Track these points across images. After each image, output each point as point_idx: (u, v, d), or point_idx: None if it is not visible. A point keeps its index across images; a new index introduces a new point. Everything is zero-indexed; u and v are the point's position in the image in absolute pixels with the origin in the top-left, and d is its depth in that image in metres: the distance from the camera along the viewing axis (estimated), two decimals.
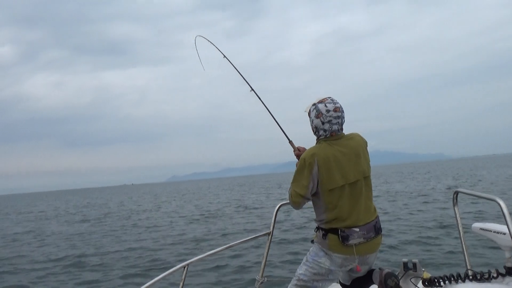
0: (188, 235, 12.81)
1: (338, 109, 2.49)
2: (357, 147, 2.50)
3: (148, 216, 21.19)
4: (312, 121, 2.54)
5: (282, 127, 2.98)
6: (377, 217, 2.49)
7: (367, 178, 2.50)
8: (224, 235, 12.23)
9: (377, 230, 2.45)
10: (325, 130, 2.50)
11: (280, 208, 2.96)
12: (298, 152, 2.70)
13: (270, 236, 2.90)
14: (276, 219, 2.95)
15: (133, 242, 12.51)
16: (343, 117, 2.53)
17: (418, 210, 14.04)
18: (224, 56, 3.38)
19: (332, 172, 2.40)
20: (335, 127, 2.49)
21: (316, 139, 2.56)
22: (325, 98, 2.52)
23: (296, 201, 2.43)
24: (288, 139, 2.91)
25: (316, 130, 2.54)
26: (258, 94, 3.14)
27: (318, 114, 2.48)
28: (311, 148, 2.50)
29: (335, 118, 2.48)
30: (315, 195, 2.45)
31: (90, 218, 23.13)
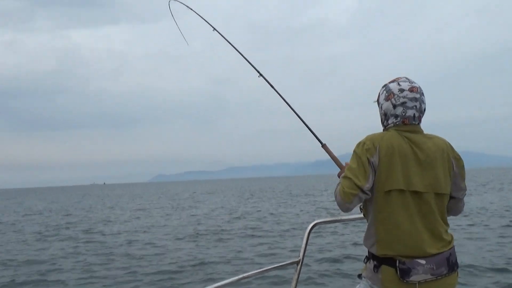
0: (174, 259, 12.22)
1: (416, 90, 2.56)
2: (436, 153, 2.53)
3: (111, 228, 20.95)
4: (381, 107, 2.65)
5: (308, 125, 3.16)
6: (453, 248, 2.51)
7: (441, 196, 2.52)
8: (229, 262, 11.65)
9: (452, 265, 2.46)
10: (396, 116, 2.57)
11: (314, 229, 3.08)
12: (343, 169, 2.79)
13: (299, 266, 3.01)
14: (308, 242, 3.06)
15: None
16: (423, 102, 2.59)
17: None
18: (214, 28, 3.59)
19: (394, 168, 2.46)
20: (411, 112, 2.55)
21: (384, 127, 2.65)
22: (399, 77, 2.63)
23: (349, 196, 2.47)
24: (321, 142, 3.10)
25: (385, 117, 2.63)
26: (269, 81, 3.33)
27: (389, 95, 2.59)
28: (373, 134, 2.57)
29: (411, 100, 2.55)
30: (366, 200, 2.53)
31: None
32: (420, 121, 2.62)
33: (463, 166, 2.68)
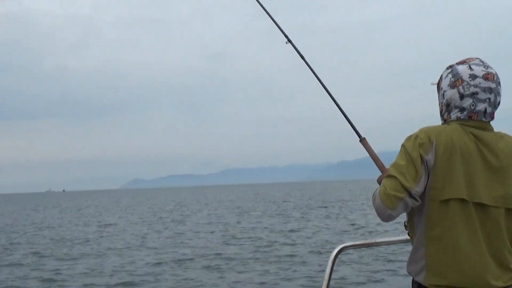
0: None
1: (492, 77, 2.55)
2: (509, 158, 2.54)
3: (68, 252, 20.81)
4: (442, 95, 2.67)
5: (345, 112, 3.32)
6: None
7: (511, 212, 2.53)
8: None
9: None
10: (462, 109, 2.58)
11: (340, 254, 3.25)
12: (385, 174, 2.70)
13: None
14: (333, 272, 3.20)
15: None
16: (499, 94, 2.59)
17: None
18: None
19: (455, 172, 2.46)
20: (482, 106, 2.54)
21: (443, 121, 2.69)
22: (470, 58, 2.63)
23: (392, 200, 2.47)
24: (359, 136, 3.22)
25: (446, 108, 2.65)
26: (299, 50, 3.59)
27: (456, 82, 2.59)
28: (428, 126, 2.60)
29: (484, 90, 2.54)
30: (412, 212, 2.60)
31: None
32: (492, 118, 2.61)
33: None
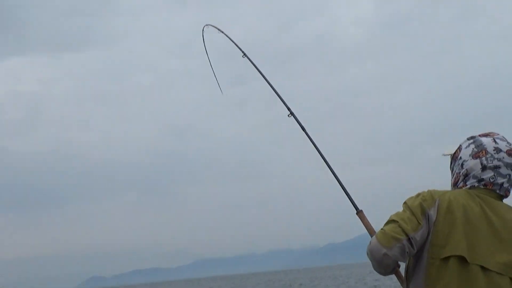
0: None
1: None
2: None
3: None
4: (461, 164, 2.97)
5: (341, 180, 3.71)
6: None
7: None
8: None
9: None
10: (481, 180, 2.87)
11: None
12: None
13: None
14: None
15: None
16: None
17: None
18: (244, 54, 4.49)
19: (456, 230, 2.71)
20: (502, 181, 2.85)
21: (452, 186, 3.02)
22: (493, 133, 2.97)
23: (390, 240, 2.70)
24: (356, 209, 3.53)
25: (464, 178, 2.93)
26: (301, 123, 4.15)
27: (480, 152, 2.90)
28: (435, 189, 2.90)
29: (507, 166, 2.87)
30: (410, 268, 2.79)
31: None
32: (507, 195, 2.87)
33: None
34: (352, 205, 3.54)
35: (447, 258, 2.66)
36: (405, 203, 2.84)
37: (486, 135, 2.91)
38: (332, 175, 3.74)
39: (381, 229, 2.81)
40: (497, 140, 2.86)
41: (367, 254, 2.74)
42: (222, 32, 4.81)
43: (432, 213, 2.73)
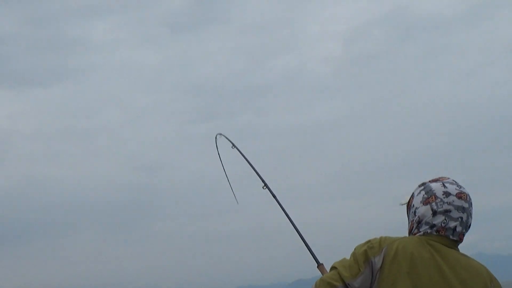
0: None
1: (465, 197, 2.82)
2: (470, 277, 2.67)
3: None
4: (414, 212, 2.87)
5: (304, 239, 3.90)
6: None
7: None
8: None
9: None
10: (432, 226, 2.79)
11: None
12: None
13: None
14: None
15: None
16: (471, 216, 2.82)
17: None
18: (242, 155, 4.93)
19: (401, 281, 2.62)
20: (454, 224, 2.76)
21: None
22: (443, 177, 2.89)
23: (324, 285, 2.68)
24: (317, 262, 3.64)
25: (417, 225, 2.85)
26: (276, 197, 4.27)
27: (430, 198, 2.81)
28: (387, 236, 2.78)
29: (457, 209, 2.78)
30: None
31: None
32: (461, 239, 2.77)
33: None
34: (313, 258, 3.69)
35: None
36: (354, 249, 2.79)
37: (436, 180, 2.85)
38: (295, 231, 3.95)
39: (322, 276, 2.80)
40: (446, 184, 2.80)
41: None
42: (236, 147, 5.17)
43: (377, 261, 2.65)
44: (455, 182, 2.85)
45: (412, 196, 2.92)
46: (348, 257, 2.81)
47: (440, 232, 2.75)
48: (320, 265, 3.58)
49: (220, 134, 5.30)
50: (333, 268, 2.77)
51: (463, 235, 2.78)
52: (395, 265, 2.65)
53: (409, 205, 2.94)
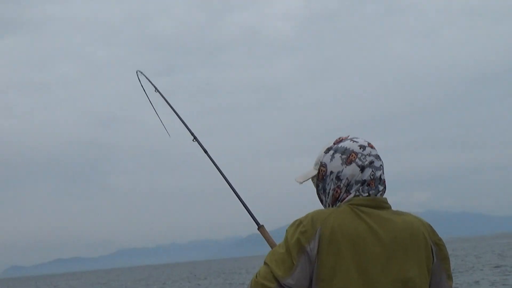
0: None
1: (373, 146, 2.79)
2: (407, 235, 2.61)
3: None
4: (336, 178, 2.73)
5: (243, 200, 3.58)
6: None
7: None
8: None
9: None
10: (363, 182, 2.70)
11: None
12: None
13: None
14: None
15: None
16: (382, 167, 2.78)
17: None
18: (165, 99, 4.47)
19: (344, 262, 2.50)
20: (379, 173, 2.73)
21: (331, 201, 2.79)
22: (343, 137, 2.83)
23: None
24: (258, 224, 3.40)
25: (346, 189, 2.73)
26: (206, 150, 4.05)
27: (350, 156, 2.73)
28: (317, 210, 2.68)
29: (376, 158, 2.76)
30: None
31: None
32: (384, 188, 2.73)
33: (448, 256, 2.72)
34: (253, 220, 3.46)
35: None
36: (286, 231, 2.62)
37: (340, 140, 2.79)
38: (233, 193, 3.67)
39: (256, 273, 2.62)
40: (355, 140, 2.76)
41: None
42: (154, 86, 4.61)
43: (312, 247, 2.52)
44: (357, 137, 2.82)
45: (323, 165, 2.79)
46: (283, 243, 2.66)
47: (371, 186, 2.68)
48: (260, 227, 3.34)
49: (141, 72, 4.73)
50: (264, 264, 2.62)
51: (385, 185, 2.75)
52: (333, 246, 2.53)
53: (321, 176, 2.80)
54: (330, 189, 2.78)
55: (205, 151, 4.01)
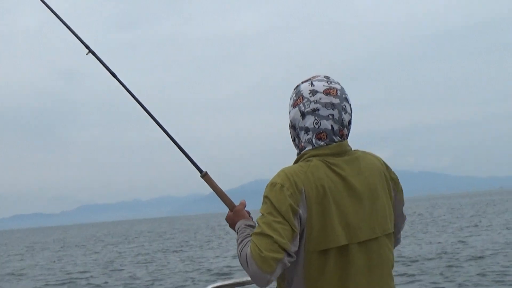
0: None
1: (335, 92, 2.59)
2: (373, 177, 2.59)
3: None
4: (289, 118, 2.68)
5: (180, 145, 3.17)
6: None
7: (389, 236, 2.60)
8: None
9: None
10: (307, 130, 2.59)
11: None
12: (237, 213, 2.83)
13: None
14: None
15: None
16: (346, 111, 2.61)
17: None
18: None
19: (330, 218, 2.45)
20: (327, 123, 2.56)
21: (298, 157, 2.64)
22: (316, 76, 2.68)
23: (270, 263, 2.37)
24: (200, 171, 3.11)
25: (294, 132, 2.67)
26: (103, 61, 3.42)
27: (298, 100, 2.63)
28: (290, 168, 2.54)
29: (325, 106, 2.56)
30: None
31: None
32: (343, 136, 2.59)
33: (402, 188, 2.76)
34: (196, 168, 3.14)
35: (325, 250, 2.44)
36: (267, 197, 2.49)
37: (307, 80, 2.68)
38: (170, 140, 3.25)
39: (256, 247, 2.42)
40: (314, 82, 2.61)
41: (248, 273, 2.47)
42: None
43: (303, 211, 2.43)
44: (327, 78, 2.63)
45: (289, 104, 2.73)
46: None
47: (321, 137, 2.55)
48: (204, 174, 3.07)
49: None
50: (263, 235, 2.40)
51: (344, 132, 2.58)
52: (320, 206, 2.45)
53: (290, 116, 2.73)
54: (291, 135, 2.73)
55: (102, 62, 3.42)
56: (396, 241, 2.82)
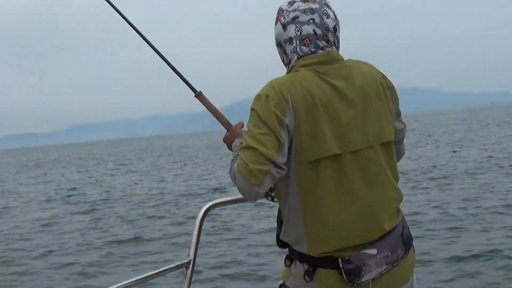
0: None
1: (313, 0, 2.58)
2: (369, 84, 2.56)
3: None
4: (275, 39, 2.66)
5: (174, 66, 3.08)
6: (403, 218, 2.60)
7: (388, 146, 2.56)
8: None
9: (407, 241, 2.56)
10: (291, 40, 2.56)
11: (208, 214, 3.16)
12: (234, 132, 2.78)
13: (189, 270, 3.06)
14: (200, 235, 3.13)
15: None
16: (328, 16, 2.57)
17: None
18: None
19: (320, 128, 2.43)
20: (308, 28, 2.52)
21: (288, 71, 2.62)
22: None
23: (256, 175, 2.36)
24: (194, 91, 3.03)
25: (281, 49, 2.64)
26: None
27: (278, 15, 2.61)
28: (277, 79, 2.52)
29: (304, 12, 2.54)
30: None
31: None
32: (330, 42, 2.55)
33: (398, 96, 2.72)
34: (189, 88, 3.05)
35: (317, 160, 2.41)
36: (253, 109, 2.47)
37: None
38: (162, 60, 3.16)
39: (242, 160, 2.41)
40: None
41: (237, 187, 2.47)
42: None
43: (290, 118, 2.40)
44: None
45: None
46: (252, 120, 2.45)
47: (305, 43, 2.51)
48: (198, 94, 3.00)
49: None
50: (248, 148, 2.38)
51: (328, 37, 2.54)
52: (309, 115, 2.41)
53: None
54: (279, 54, 2.70)
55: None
56: (399, 154, 2.79)
